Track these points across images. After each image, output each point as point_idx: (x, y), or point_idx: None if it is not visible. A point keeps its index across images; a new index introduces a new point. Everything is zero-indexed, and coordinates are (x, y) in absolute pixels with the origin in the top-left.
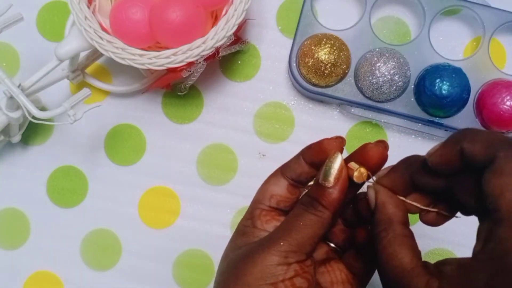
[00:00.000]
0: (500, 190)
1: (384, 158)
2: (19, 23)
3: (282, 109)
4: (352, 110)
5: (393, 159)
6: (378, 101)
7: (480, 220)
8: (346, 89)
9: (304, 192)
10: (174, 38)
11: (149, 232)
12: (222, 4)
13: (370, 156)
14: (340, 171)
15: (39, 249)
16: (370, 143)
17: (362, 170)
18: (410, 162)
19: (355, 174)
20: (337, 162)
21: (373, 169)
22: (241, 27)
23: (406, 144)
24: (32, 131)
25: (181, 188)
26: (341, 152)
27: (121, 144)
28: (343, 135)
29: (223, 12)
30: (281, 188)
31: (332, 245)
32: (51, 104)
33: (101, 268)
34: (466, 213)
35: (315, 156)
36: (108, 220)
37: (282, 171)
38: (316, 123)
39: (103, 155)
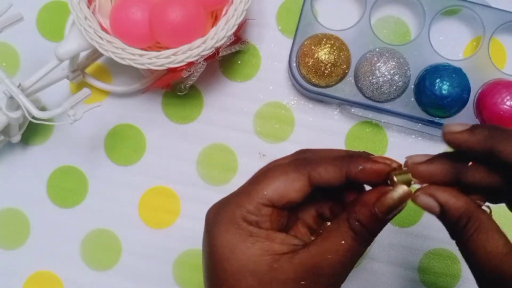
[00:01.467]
0: None
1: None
2: (19, 23)
3: (282, 109)
4: (352, 110)
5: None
6: (378, 101)
7: None
8: (346, 89)
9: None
10: (174, 38)
11: (149, 232)
12: (222, 4)
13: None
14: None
15: (39, 249)
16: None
17: (407, 176)
18: (455, 154)
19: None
20: (402, 194)
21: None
22: (241, 27)
23: (406, 144)
24: (32, 131)
25: (181, 188)
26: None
27: (121, 144)
28: (343, 135)
29: (223, 12)
30: (301, 196)
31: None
32: (51, 104)
33: (101, 268)
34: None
35: (366, 177)
36: (108, 220)
37: (309, 172)
38: (316, 123)
39: (103, 155)
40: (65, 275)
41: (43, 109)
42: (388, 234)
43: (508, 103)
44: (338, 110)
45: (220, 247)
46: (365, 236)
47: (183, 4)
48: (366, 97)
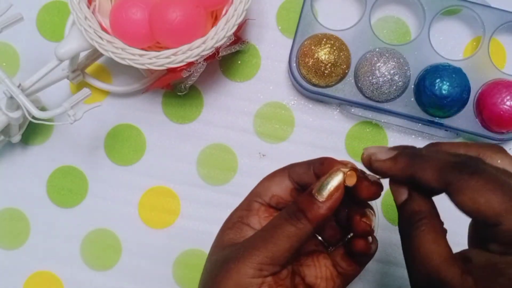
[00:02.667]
0: (473, 203)
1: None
2: (19, 23)
3: (282, 109)
4: (352, 110)
5: None
6: (378, 101)
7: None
8: (346, 89)
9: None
10: (174, 38)
11: (149, 232)
12: (222, 4)
13: (362, 190)
14: (337, 188)
15: (39, 249)
16: (364, 180)
17: (352, 173)
18: (416, 155)
19: (348, 173)
20: (336, 179)
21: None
22: (241, 27)
23: (406, 144)
24: (32, 131)
25: (181, 188)
26: (345, 175)
27: (121, 144)
28: (343, 135)
29: (223, 12)
30: (284, 191)
31: (320, 238)
32: (51, 104)
33: (101, 268)
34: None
35: (324, 172)
36: (108, 220)
37: (290, 173)
38: (316, 123)
39: (103, 155)
40: (65, 275)
41: (43, 109)
42: (388, 234)
43: (508, 103)
44: (338, 110)
45: (218, 232)
46: (298, 215)
47: (183, 4)
48: (366, 97)
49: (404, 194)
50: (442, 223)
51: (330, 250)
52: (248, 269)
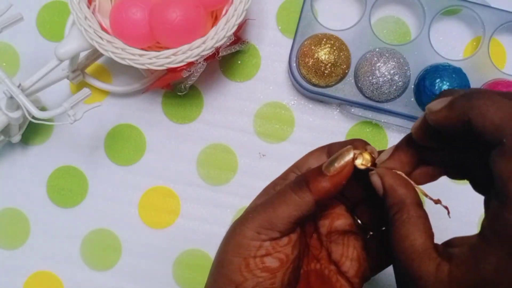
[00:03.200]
0: (508, 174)
1: None
2: (19, 23)
3: (282, 109)
4: (352, 110)
5: None
6: (378, 101)
7: (487, 195)
8: (346, 89)
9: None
10: (174, 38)
11: (149, 232)
12: (222, 4)
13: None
14: (344, 165)
15: (39, 249)
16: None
17: (366, 155)
18: (413, 138)
19: (358, 161)
20: (346, 157)
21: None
22: (241, 27)
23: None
24: (32, 131)
25: (181, 188)
26: (355, 155)
27: (121, 144)
28: (343, 135)
29: (223, 12)
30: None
31: (358, 221)
32: (51, 104)
33: (101, 268)
34: (474, 186)
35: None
36: (108, 220)
37: (329, 149)
38: (316, 123)
39: (103, 155)
40: (65, 275)
41: (43, 109)
42: None
43: None
44: (338, 110)
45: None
46: (301, 186)
47: (183, 4)
48: (366, 97)
49: (380, 190)
50: (419, 212)
51: (369, 235)
52: (248, 231)
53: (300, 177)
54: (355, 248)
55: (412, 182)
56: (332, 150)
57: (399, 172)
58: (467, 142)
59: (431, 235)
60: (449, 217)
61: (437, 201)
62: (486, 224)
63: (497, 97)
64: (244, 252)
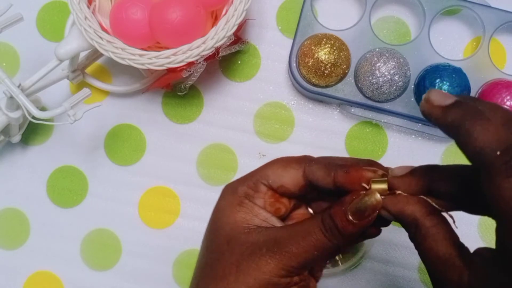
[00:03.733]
0: (497, 194)
1: None
2: (19, 23)
3: (282, 109)
4: (352, 110)
5: (393, 159)
6: (378, 101)
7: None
8: (346, 89)
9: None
10: (174, 38)
11: (149, 232)
12: (222, 4)
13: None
14: (372, 211)
15: (39, 249)
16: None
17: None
18: (431, 168)
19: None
20: (374, 201)
21: None
22: (241, 27)
23: (406, 144)
24: (32, 131)
25: (181, 188)
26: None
27: (121, 144)
28: (343, 135)
29: (223, 12)
30: (295, 185)
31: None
32: (51, 104)
33: (101, 268)
34: (479, 212)
35: (349, 184)
36: (108, 220)
37: (306, 170)
38: (316, 123)
39: (103, 155)
40: (65, 275)
41: (43, 109)
42: (388, 234)
43: (508, 103)
44: (338, 110)
45: (216, 208)
46: (333, 231)
47: (183, 4)
48: (366, 97)
49: (391, 218)
50: (435, 220)
51: None
52: (280, 270)
53: (330, 221)
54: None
55: (414, 196)
56: (310, 173)
57: (398, 192)
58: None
59: (453, 239)
60: (456, 226)
61: (443, 210)
62: (497, 241)
63: (486, 120)
64: (273, 287)
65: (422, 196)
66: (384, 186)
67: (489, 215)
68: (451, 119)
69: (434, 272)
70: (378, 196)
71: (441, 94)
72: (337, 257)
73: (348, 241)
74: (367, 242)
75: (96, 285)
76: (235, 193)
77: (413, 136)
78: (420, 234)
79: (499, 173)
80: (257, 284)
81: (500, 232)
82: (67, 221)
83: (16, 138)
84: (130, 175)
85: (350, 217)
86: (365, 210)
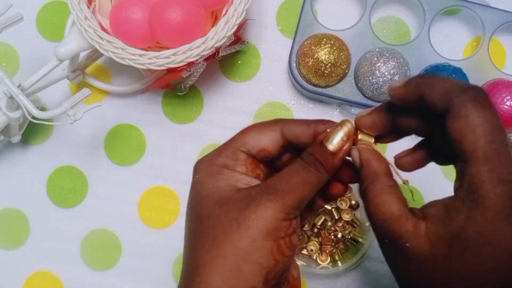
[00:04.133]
0: (460, 133)
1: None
2: (19, 23)
3: (282, 109)
4: (352, 110)
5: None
6: (378, 101)
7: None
8: (346, 89)
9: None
10: (174, 38)
11: (149, 232)
12: (222, 4)
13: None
14: (347, 139)
15: (39, 249)
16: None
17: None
18: (393, 104)
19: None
20: (346, 129)
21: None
22: (241, 27)
23: (406, 143)
24: (32, 131)
25: (181, 188)
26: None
27: (121, 144)
28: None
29: (223, 12)
30: (274, 146)
31: None
32: (51, 104)
33: (101, 268)
34: (444, 160)
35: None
36: (108, 220)
37: (281, 126)
38: None
39: (103, 155)
40: (65, 275)
41: (43, 109)
42: None
43: (508, 103)
44: (338, 110)
45: (196, 183)
46: (317, 165)
47: (183, 4)
48: (366, 97)
49: (357, 162)
50: (392, 181)
51: None
52: (280, 213)
53: (311, 158)
54: None
55: (384, 159)
56: (289, 131)
57: (376, 149)
58: (427, 117)
59: (404, 201)
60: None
61: (406, 182)
62: (457, 184)
63: (445, 76)
64: (275, 233)
65: (390, 164)
66: (371, 139)
67: (453, 163)
68: (414, 86)
69: (386, 228)
70: (350, 123)
71: (398, 79)
72: (336, 257)
73: (331, 173)
74: (367, 242)
75: (96, 285)
76: (213, 165)
77: (413, 136)
78: (375, 188)
79: (463, 109)
80: (261, 234)
81: (466, 173)
82: (67, 221)
83: (16, 138)
84: (130, 175)
85: (329, 148)
86: (340, 139)
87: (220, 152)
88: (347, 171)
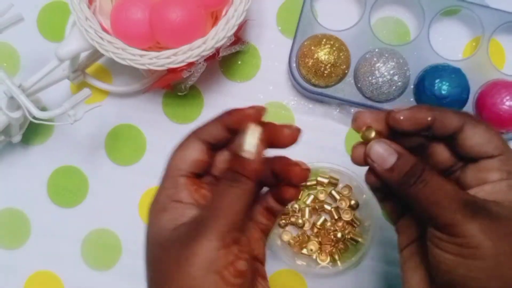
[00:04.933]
0: (487, 137)
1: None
2: (20, 24)
3: (282, 109)
4: (352, 110)
5: None
6: (377, 101)
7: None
8: (346, 89)
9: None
10: (174, 38)
11: None
12: (222, 5)
13: (283, 137)
14: (260, 143)
15: (39, 249)
16: (284, 127)
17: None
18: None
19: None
20: (256, 134)
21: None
22: (241, 27)
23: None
24: (32, 131)
25: None
26: (259, 122)
27: (121, 144)
28: (343, 135)
29: (223, 13)
30: (200, 153)
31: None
32: (52, 104)
33: (101, 268)
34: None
35: (236, 123)
36: (108, 220)
37: (198, 135)
38: (316, 123)
39: (103, 155)
40: (65, 275)
41: (43, 109)
42: (387, 234)
43: (507, 103)
44: (338, 110)
45: (146, 227)
46: (238, 178)
47: (183, 4)
48: (366, 97)
49: (393, 156)
50: (435, 171)
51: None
52: (212, 242)
53: (229, 173)
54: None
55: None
56: (205, 134)
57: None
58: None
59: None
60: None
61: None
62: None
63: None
64: (214, 265)
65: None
66: (372, 134)
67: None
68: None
69: (457, 199)
70: (259, 128)
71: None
72: (336, 257)
73: (254, 178)
74: (367, 242)
75: (96, 285)
76: (157, 204)
77: None
78: (430, 176)
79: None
80: (201, 271)
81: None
82: (67, 221)
83: (17, 138)
84: (130, 175)
85: (244, 156)
86: (252, 142)
87: (161, 188)
88: (295, 171)
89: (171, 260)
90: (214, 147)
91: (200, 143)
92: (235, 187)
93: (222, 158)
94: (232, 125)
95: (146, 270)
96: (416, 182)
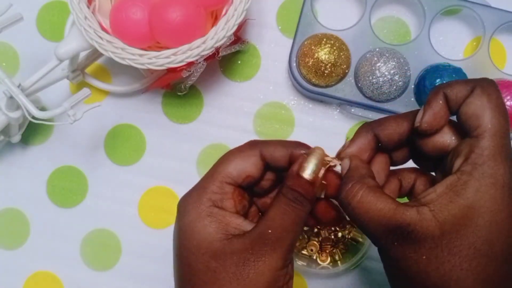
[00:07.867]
0: (480, 109)
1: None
2: (19, 23)
3: (282, 109)
4: (352, 110)
5: None
6: (378, 101)
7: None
8: (346, 89)
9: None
10: (174, 38)
11: (149, 232)
12: (222, 4)
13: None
14: (320, 166)
15: (39, 249)
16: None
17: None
18: (371, 124)
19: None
20: (318, 156)
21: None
22: (241, 27)
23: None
24: (32, 131)
25: (181, 188)
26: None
27: (121, 144)
28: (343, 135)
29: (223, 12)
30: (256, 170)
31: None
32: (51, 104)
33: (101, 268)
34: (425, 167)
35: (298, 156)
36: (108, 220)
37: (262, 151)
38: (316, 123)
39: (103, 155)
40: (65, 275)
41: (43, 109)
42: None
43: (508, 103)
44: (338, 110)
45: (183, 227)
46: (299, 199)
47: (183, 4)
48: (366, 97)
49: (345, 168)
50: (377, 183)
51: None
52: (277, 263)
53: (294, 193)
54: None
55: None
56: (268, 154)
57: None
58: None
59: (393, 197)
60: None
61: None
62: (459, 162)
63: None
64: (275, 285)
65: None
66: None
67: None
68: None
69: (387, 221)
70: (320, 149)
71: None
72: (337, 257)
73: (312, 203)
74: (367, 242)
75: (96, 285)
76: (200, 205)
77: None
78: (361, 189)
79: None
80: (262, 286)
81: (473, 144)
82: (67, 221)
83: (16, 138)
84: (130, 175)
85: (305, 178)
86: (315, 167)
87: (204, 188)
88: (331, 215)
89: (230, 274)
90: (274, 169)
91: (259, 158)
92: (298, 208)
93: (266, 177)
94: (296, 155)
95: (186, 276)
96: (350, 204)
